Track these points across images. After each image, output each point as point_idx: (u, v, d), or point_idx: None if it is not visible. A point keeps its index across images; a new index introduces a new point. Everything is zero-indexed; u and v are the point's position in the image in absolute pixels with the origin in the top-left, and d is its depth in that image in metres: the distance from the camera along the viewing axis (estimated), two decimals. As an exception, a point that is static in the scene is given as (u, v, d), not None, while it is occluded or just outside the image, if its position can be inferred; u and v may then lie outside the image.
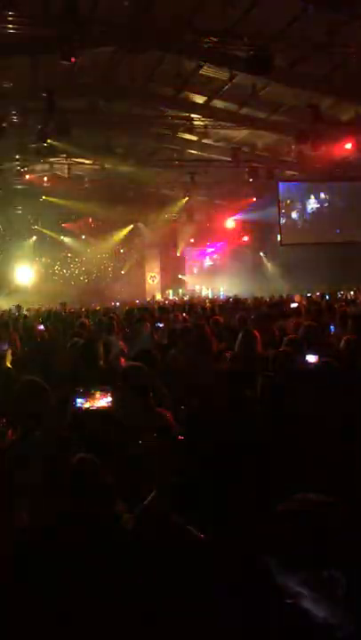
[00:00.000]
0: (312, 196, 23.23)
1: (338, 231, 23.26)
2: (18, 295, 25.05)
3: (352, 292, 18.01)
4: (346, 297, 16.19)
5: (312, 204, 23.28)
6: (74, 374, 5.21)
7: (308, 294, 19.00)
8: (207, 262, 31.62)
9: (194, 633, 2.22)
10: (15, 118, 15.03)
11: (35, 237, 27.12)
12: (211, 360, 6.72)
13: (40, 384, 3.10)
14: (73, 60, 10.22)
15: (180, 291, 30.00)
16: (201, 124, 16.72)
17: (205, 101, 15.87)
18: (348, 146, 17.43)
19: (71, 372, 5.39)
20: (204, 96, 15.59)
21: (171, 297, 28.22)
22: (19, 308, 17.44)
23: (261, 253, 27.66)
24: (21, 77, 13.53)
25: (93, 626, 1.73)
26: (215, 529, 2.50)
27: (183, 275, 31.44)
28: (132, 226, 28.02)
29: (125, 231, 28.26)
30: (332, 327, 8.22)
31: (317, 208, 23.38)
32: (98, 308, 18.70)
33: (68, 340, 7.21)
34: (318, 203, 23.33)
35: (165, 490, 2.16)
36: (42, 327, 9.85)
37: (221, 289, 28.70)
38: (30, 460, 2.26)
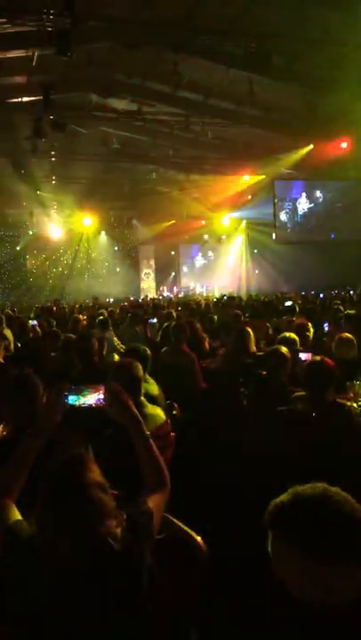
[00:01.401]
0: (308, 195, 23.23)
1: (333, 236, 23.28)
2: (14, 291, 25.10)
3: (351, 292, 17.99)
4: (346, 296, 16.15)
5: (307, 202, 23.29)
6: (67, 371, 5.21)
7: (303, 293, 19.03)
8: (202, 260, 31.61)
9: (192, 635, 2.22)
10: (11, 113, 14.96)
11: (30, 233, 27.07)
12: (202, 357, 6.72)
13: (32, 379, 3.08)
14: (69, 55, 10.18)
15: (175, 288, 30.00)
16: (197, 121, 16.69)
17: (202, 99, 15.84)
18: (344, 145, 17.48)
19: (64, 369, 5.39)
20: (201, 94, 15.55)
21: (165, 294, 28.21)
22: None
23: (256, 251, 27.68)
24: (17, 72, 13.47)
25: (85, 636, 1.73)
26: (211, 527, 2.50)
27: (177, 272, 31.41)
28: (126, 223, 27.98)
29: (121, 228, 28.21)
30: (325, 325, 8.24)
31: (313, 207, 23.40)
32: (92, 304, 18.69)
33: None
34: (313, 201, 23.35)
35: (157, 486, 2.16)
36: (35, 322, 9.82)
37: (216, 286, 28.72)
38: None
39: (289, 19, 11.00)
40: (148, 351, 4.27)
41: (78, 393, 2.35)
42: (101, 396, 2.33)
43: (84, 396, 2.34)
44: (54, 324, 9.73)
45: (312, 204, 23.30)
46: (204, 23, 11.18)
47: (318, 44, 11.43)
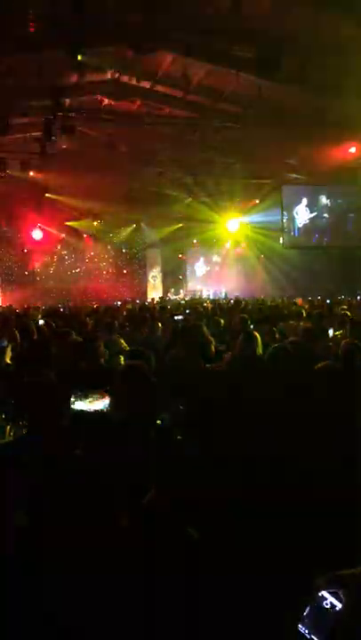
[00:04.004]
0: (315, 200, 23.20)
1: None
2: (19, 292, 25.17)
3: (359, 297, 17.95)
4: (353, 302, 16.11)
5: (315, 208, 23.25)
6: (73, 373, 5.21)
7: (310, 298, 19.01)
8: (208, 264, 31.60)
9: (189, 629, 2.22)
10: (20, 116, 15.01)
11: (38, 235, 27.15)
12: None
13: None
14: (79, 58, 10.24)
15: (182, 291, 29.99)
16: (206, 124, 16.70)
17: (210, 103, 15.85)
18: (353, 150, 17.47)
19: (71, 371, 5.39)
20: (210, 97, 15.56)
21: (172, 297, 28.22)
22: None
23: (263, 256, 27.67)
24: (27, 75, 13.51)
25: (91, 627, 1.74)
26: (214, 528, 2.50)
27: (184, 275, 31.42)
28: (134, 225, 27.99)
29: (128, 231, 28.24)
30: (330, 331, 8.22)
31: (320, 212, 23.34)
32: (98, 306, 18.71)
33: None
34: (321, 207, 23.29)
35: (164, 489, 2.16)
36: (42, 322, 9.83)
37: (223, 290, 28.70)
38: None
39: (301, 23, 11.00)
40: (152, 354, 4.22)
41: (84, 398, 2.36)
42: (107, 401, 2.35)
43: (90, 400, 2.35)
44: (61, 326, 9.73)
45: (320, 210, 23.25)
46: (215, 26, 11.18)
47: (329, 50, 11.41)
